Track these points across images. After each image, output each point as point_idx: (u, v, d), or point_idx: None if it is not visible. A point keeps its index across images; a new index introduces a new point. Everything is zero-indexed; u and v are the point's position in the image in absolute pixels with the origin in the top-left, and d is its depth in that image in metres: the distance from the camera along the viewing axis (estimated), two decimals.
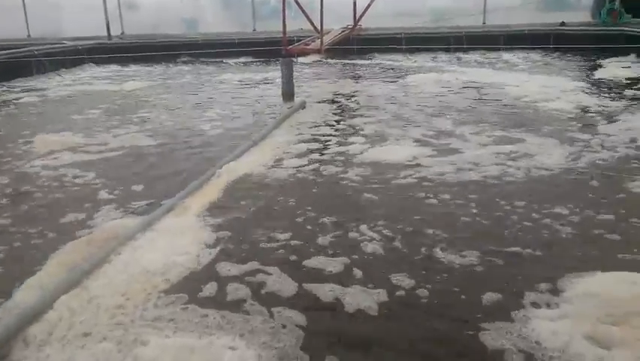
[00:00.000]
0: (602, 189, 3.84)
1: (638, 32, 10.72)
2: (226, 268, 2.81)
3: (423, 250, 2.96)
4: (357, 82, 9.13)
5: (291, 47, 7.43)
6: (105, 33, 13.95)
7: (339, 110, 6.87)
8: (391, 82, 8.97)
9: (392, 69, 10.54)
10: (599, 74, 8.98)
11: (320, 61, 11.92)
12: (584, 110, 6.32)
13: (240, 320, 2.32)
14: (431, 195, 3.76)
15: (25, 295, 2.52)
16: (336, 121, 6.21)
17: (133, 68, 12.00)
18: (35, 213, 3.72)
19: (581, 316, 2.26)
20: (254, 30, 14.87)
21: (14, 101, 8.21)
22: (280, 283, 2.64)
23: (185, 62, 12.72)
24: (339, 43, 9.61)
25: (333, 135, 5.51)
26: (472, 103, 6.95)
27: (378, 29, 13.07)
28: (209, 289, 2.61)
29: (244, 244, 3.09)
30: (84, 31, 14.53)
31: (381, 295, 2.51)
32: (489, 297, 2.46)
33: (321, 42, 7.44)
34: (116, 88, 9.21)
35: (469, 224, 3.30)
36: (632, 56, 10.30)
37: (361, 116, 6.42)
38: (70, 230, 3.36)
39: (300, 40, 9.14)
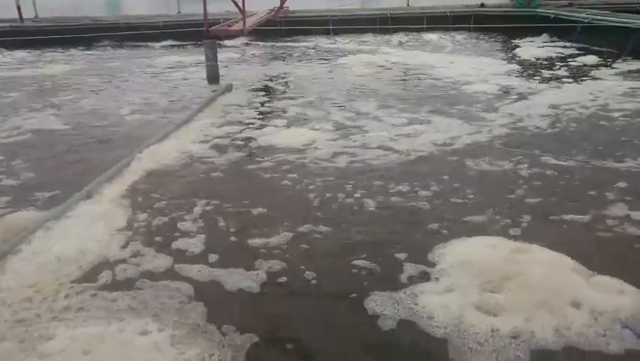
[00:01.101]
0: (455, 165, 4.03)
1: (549, 14, 11.30)
2: (136, 252, 2.79)
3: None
4: (286, 64, 9.09)
5: (213, 27, 7.28)
6: (16, 16, 13.07)
7: (266, 93, 6.84)
8: (320, 64, 9.01)
9: (321, 51, 10.57)
10: (518, 54, 9.38)
11: (248, 44, 11.75)
12: (505, 90, 6.52)
13: (152, 302, 2.32)
14: (290, 178, 3.82)
15: None
16: (261, 103, 6.18)
17: (49, 52, 11.31)
18: None
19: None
20: (178, 12, 14.42)
21: None
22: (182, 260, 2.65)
23: (106, 46, 12.17)
24: (263, 25, 9.52)
25: (256, 118, 5.49)
26: (400, 85, 7.09)
27: (305, 11, 13.04)
28: (121, 273, 2.58)
29: (155, 229, 3.06)
30: None
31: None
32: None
33: (244, 23, 7.33)
34: (30, 73, 8.69)
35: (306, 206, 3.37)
36: (545, 36, 10.85)
37: (288, 98, 6.41)
38: None
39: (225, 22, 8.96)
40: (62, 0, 15.68)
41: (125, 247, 2.84)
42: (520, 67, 8.13)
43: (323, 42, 11.80)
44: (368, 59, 9.26)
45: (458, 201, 3.38)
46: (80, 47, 11.84)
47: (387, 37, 12.12)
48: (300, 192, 3.57)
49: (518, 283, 2.34)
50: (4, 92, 7.12)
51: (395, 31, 12.53)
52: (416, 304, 2.26)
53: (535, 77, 7.26)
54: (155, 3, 15.88)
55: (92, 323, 2.15)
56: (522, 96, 6.17)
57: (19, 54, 11.06)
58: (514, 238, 2.86)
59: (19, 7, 12.96)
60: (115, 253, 2.76)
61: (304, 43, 11.74)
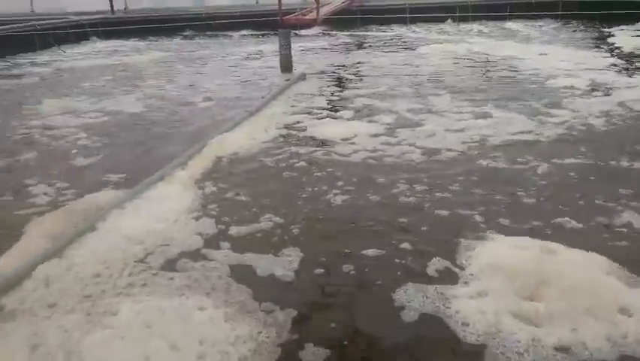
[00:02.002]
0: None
1: None
2: (197, 235, 2.85)
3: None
4: (361, 53, 9.02)
5: (287, 17, 7.33)
6: (108, 8, 13.87)
7: (338, 82, 6.81)
8: (396, 53, 8.86)
9: (397, 40, 10.40)
10: (616, 43, 8.71)
11: (324, 33, 11.77)
12: (596, 86, 5.93)
13: (204, 282, 2.38)
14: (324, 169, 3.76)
15: (7, 262, 2.57)
16: (331, 93, 6.16)
17: (136, 42, 11.95)
18: (24, 168, 4.04)
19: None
20: (257, 2, 14.70)
21: (22, 73, 8.36)
22: (247, 248, 2.68)
23: (188, 36, 12.65)
24: (339, 14, 9.47)
25: (325, 108, 5.47)
26: (477, 77, 6.78)
27: (381, 0, 12.87)
28: (181, 253, 2.65)
29: (218, 214, 3.11)
30: (89, 6, 14.46)
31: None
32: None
33: (317, 12, 7.32)
34: (119, 61, 9.22)
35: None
36: None
37: (358, 88, 6.36)
38: (54, 192, 3.50)
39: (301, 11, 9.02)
40: None
41: (187, 229, 2.91)
42: (619, 59, 7.52)
43: (400, 31, 11.60)
44: (447, 48, 8.98)
45: (481, 201, 3.18)
46: (165, 37, 12.39)
47: (467, 26, 11.74)
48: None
49: (556, 287, 2.16)
50: (96, 78, 7.67)
51: (476, 19, 12.09)
52: (448, 308, 2.13)
53: (637, 72, 6.63)
54: None
55: (153, 299, 2.23)
56: (614, 93, 5.64)
57: (110, 43, 11.74)
58: (544, 238, 2.66)
59: (111, 0, 13.72)
60: (177, 235, 2.84)
61: (380, 33, 11.59)
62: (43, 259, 2.51)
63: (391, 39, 10.64)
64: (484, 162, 3.80)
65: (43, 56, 10.13)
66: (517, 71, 6.96)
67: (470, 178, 3.52)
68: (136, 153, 4.36)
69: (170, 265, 2.55)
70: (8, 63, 9.43)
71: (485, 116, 4.93)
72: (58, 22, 11.80)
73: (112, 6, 13.95)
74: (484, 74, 6.92)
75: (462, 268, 2.43)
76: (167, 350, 1.89)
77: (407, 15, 12.45)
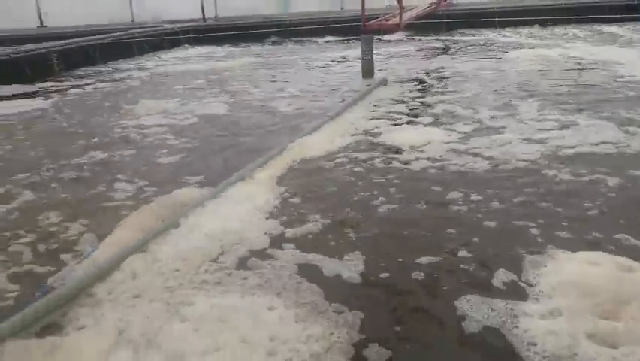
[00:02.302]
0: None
1: None
2: (271, 235, 2.92)
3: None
4: (446, 59, 8.85)
5: (370, 22, 7.33)
6: (200, 15, 14.58)
7: (420, 88, 6.72)
8: (484, 58, 8.60)
9: (486, 45, 10.09)
10: None
11: (408, 38, 11.67)
12: None
13: (276, 281, 2.43)
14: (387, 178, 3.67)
15: (102, 253, 2.76)
16: (412, 98, 6.08)
17: (225, 48, 12.46)
18: (117, 163, 4.37)
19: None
20: (341, 9, 14.84)
21: (123, 77, 9.07)
22: (321, 250, 2.69)
23: (274, 42, 13.01)
24: (423, 19, 9.33)
25: (404, 114, 5.40)
26: (571, 84, 6.39)
27: (468, 4, 12.53)
28: (255, 253, 2.73)
29: (291, 216, 3.17)
30: (183, 14, 15.28)
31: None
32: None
33: (400, 17, 7.26)
34: (208, 66, 9.68)
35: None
36: None
37: (440, 94, 6.24)
38: (142, 188, 3.74)
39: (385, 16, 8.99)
40: (240, 0, 17.03)
41: (261, 228, 2.99)
42: None
43: (488, 35, 11.25)
44: (539, 53, 8.59)
45: (545, 214, 2.99)
46: (252, 43, 12.82)
47: (561, 29, 11.15)
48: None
49: (636, 305, 1.99)
50: (187, 82, 8.10)
51: (570, 22, 11.45)
52: (516, 327, 2.02)
53: None
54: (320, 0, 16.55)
55: (227, 296, 2.31)
56: None
57: (201, 49, 12.33)
58: (615, 254, 2.46)
59: (202, 8, 14.41)
60: (251, 234, 2.92)
61: (467, 37, 11.31)
62: (131, 253, 2.67)
63: (479, 43, 10.34)
64: (554, 173, 3.59)
65: (140, 62, 10.84)
66: (615, 78, 6.52)
67: (536, 190, 3.34)
68: (218, 154, 4.53)
69: (243, 263, 2.63)
70: (110, 68, 10.18)
71: (571, 125, 4.66)
72: (153, 30, 12.56)
73: (203, 14, 14.66)
74: (577, 81, 6.53)
75: (530, 284, 2.31)
76: (238, 343, 1.95)
77: (496, 19, 12.03)
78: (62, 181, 4.05)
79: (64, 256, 2.83)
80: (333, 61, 9.50)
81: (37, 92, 7.99)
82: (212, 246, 2.82)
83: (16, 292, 2.51)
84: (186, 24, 13.74)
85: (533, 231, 2.81)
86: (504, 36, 11.01)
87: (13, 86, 8.24)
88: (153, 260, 2.67)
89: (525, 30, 11.44)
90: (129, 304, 2.29)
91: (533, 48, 9.14)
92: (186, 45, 12.79)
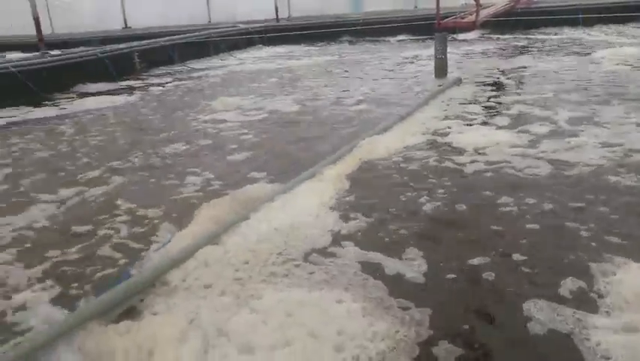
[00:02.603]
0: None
1: None
2: (337, 231, 2.92)
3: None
4: (524, 58, 8.51)
5: (444, 20, 7.16)
6: (274, 16, 14.85)
7: (495, 88, 6.49)
8: (566, 58, 8.20)
9: (568, 44, 9.61)
10: None
11: (484, 37, 11.30)
12: None
13: (341, 277, 2.42)
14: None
15: (178, 242, 2.86)
16: (487, 98, 5.88)
17: (298, 47, 12.63)
18: (192, 156, 4.54)
19: None
20: (415, 7, 14.62)
21: (200, 75, 9.46)
22: (382, 249, 2.65)
23: (347, 41, 13.03)
24: (500, 16, 9.00)
25: (477, 114, 5.23)
26: None
27: (549, 1, 11.97)
28: (322, 248, 2.73)
29: (359, 214, 3.14)
30: (257, 14, 15.64)
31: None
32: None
33: (477, 15, 7.03)
34: (282, 65, 9.85)
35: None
36: None
37: (518, 94, 5.99)
38: (215, 180, 3.85)
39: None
40: (313, 1, 17.21)
41: (327, 225, 3.00)
42: None
43: (571, 34, 10.72)
44: (628, 52, 8.07)
45: (606, 221, 2.80)
46: (324, 42, 12.91)
47: None
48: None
49: None
50: (261, 81, 8.31)
51: None
52: (587, 339, 1.88)
53: None
54: None
55: (294, 290, 2.32)
56: None
57: (274, 49, 12.57)
58: None
59: (276, 8, 14.68)
60: (318, 231, 2.93)
61: (548, 36, 10.82)
62: (205, 243, 2.75)
63: (561, 42, 9.86)
64: (620, 180, 3.35)
65: (216, 61, 11.20)
66: None
67: (598, 196, 3.13)
68: (288, 150, 4.59)
69: (309, 258, 2.64)
70: (187, 67, 10.58)
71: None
72: (229, 31, 12.93)
73: (277, 15, 14.93)
74: None
75: (600, 295, 2.16)
76: (306, 338, 1.96)
77: (580, 16, 11.41)
78: (147, 169, 4.33)
79: (150, 238, 3.03)
80: (405, 60, 9.37)
81: (121, 89, 8.45)
82: (279, 240, 2.85)
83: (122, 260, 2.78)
84: (260, 24, 14.04)
85: (585, 234, 2.67)
86: (589, 35, 10.42)
87: (100, 83, 8.75)
88: (225, 251, 2.73)
89: (613, 28, 10.78)
90: (201, 293, 2.35)
91: (622, 47, 8.58)
92: (260, 45, 13.08)
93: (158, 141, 5.19)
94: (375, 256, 2.63)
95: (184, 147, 4.88)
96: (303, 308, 2.15)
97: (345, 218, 3.09)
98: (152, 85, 8.68)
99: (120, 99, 7.56)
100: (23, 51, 12.23)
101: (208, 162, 4.41)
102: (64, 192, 3.89)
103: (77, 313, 2.17)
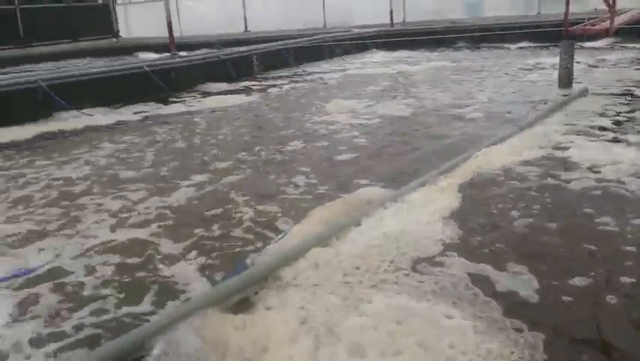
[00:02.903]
0: None
1: None
2: (446, 243, 2.85)
3: None
4: None
5: (573, 27, 6.72)
6: (388, 21, 14.84)
7: (628, 101, 5.98)
8: None
9: None
10: None
11: (616, 46, 10.44)
12: None
13: (451, 290, 2.37)
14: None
15: (289, 241, 2.97)
16: (617, 112, 5.43)
17: (412, 52, 12.51)
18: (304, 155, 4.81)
19: None
20: (538, 13, 13.86)
21: (315, 78, 9.78)
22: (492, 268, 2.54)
23: (463, 47, 12.69)
24: (636, 23, 8.26)
25: (605, 129, 4.84)
26: None
27: None
28: (428, 258, 2.69)
29: (470, 225, 3.06)
30: (372, 19, 15.72)
31: None
32: None
33: (611, 21, 6.51)
34: (396, 70, 9.86)
35: None
36: None
37: None
38: (326, 183, 3.98)
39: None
40: (428, 5, 16.96)
41: (437, 235, 2.94)
42: None
43: None
44: None
45: None
46: (439, 48, 12.68)
47: None
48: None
49: None
50: (375, 85, 8.38)
51: None
52: None
53: None
54: (516, 4, 15.69)
55: (403, 298, 2.31)
56: None
57: (389, 54, 12.56)
58: None
59: (391, 13, 14.65)
60: (428, 240, 2.89)
61: None
62: (315, 244, 2.81)
63: None
64: None
65: (330, 65, 11.44)
66: None
67: None
68: (400, 156, 4.58)
69: (418, 267, 2.61)
70: (302, 70, 10.91)
71: None
72: (343, 35, 13.12)
73: (392, 19, 14.90)
74: None
75: None
76: (417, 348, 1.94)
77: None
78: (268, 164, 4.63)
79: (271, 228, 3.24)
80: (526, 68, 8.94)
81: (241, 89, 8.92)
82: (389, 247, 2.84)
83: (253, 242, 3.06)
84: (374, 29, 14.09)
85: None
86: None
87: (220, 83, 9.29)
88: (335, 254, 2.78)
89: None
90: (311, 293, 2.41)
91: None
92: (374, 49, 13.13)
93: (276, 138, 5.49)
94: (485, 269, 2.56)
95: (301, 146, 5.12)
96: (412, 317, 2.14)
97: (456, 229, 3.02)
98: (271, 86, 9.07)
99: (241, 99, 8.03)
100: (154, 52, 13.33)
101: (321, 162, 4.56)
102: (198, 178, 4.33)
103: (197, 299, 2.32)
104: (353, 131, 5.51)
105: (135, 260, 2.96)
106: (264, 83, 9.57)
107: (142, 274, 2.79)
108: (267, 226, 3.27)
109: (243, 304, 2.36)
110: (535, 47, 11.63)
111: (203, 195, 3.96)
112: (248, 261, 2.82)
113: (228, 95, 8.39)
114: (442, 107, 6.36)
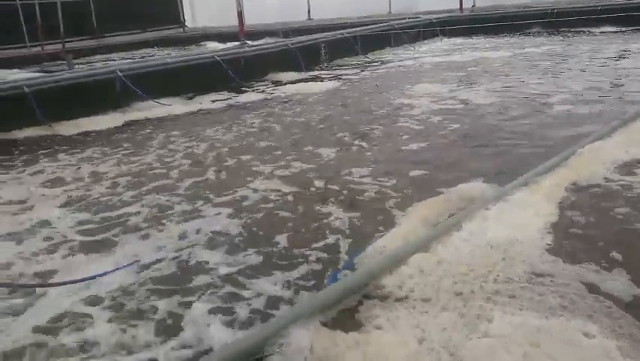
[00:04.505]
0: None
1: None
2: (556, 251, 2.58)
3: None
4: None
5: None
6: (457, 6, 14.29)
7: None
8: None
9: None
10: None
11: None
12: None
13: (581, 302, 2.12)
14: None
15: (389, 242, 2.81)
16: None
17: (482, 39, 11.98)
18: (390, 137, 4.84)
19: None
20: None
21: (386, 66, 9.57)
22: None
23: (537, 33, 12.02)
24: None
25: None
26: None
27: None
28: (544, 270, 2.43)
29: (579, 232, 2.78)
30: (439, 5, 15.20)
31: None
32: None
33: None
34: (471, 57, 9.46)
35: None
36: None
37: None
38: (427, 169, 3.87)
39: None
40: None
41: (545, 242, 2.69)
42: None
43: None
44: None
45: None
46: (513, 34, 12.09)
47: None
48: None
49: None
50: (450, 71, 8.14)
51: None
52: None
53: None
54: None
55: (528, 314, 2.08)
56: None
57: (459, 40, 12.12)
58: None
59: None
60: (536, 247, 2.64)
61: None
62: (417, 249, 2.62)
63: None
64: None
65: (398, 52, 11.13)
66: None
67: None
68: (486, 147, 4.35)
69: (532, 278, 2.37)
70: (369, 58, 10.65)
71: None
72: (411, 22, 12.72)
73: (461, 5, 14.33)
74: None
75: None
76: None
77: None
78: (358, 149, 4.70)
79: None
80: (614, 55, 8.31)
81: (311, 78, 8.79)
82: (496, 254, 2.61)
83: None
84: (443, 15, 13.60)
85: None
86: None
87: (289, 72, 9.19)
88: (438, 260, 2.57)
89: None
90: (422, 308, 2.21)
91: None
92: (443, 36, 12.68)
93: (363, 119, 5.62)
94: (605, 279, 2.31)
95: (383, 127, 5.19)
96: (547, 337, 1.91)
97: (565, 235, 2.75)
98: (345, 74, 8.90)
99: (325, 86, 8.02)
100: (220, 41, 13.43)
101: (419, 152, 4.42)
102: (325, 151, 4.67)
103: (301, 306, 2.19)
104: (438, 115, 5.45)
105: None
106: (335, 71, 9.40)
107: None
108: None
109: (348, 317, 2.19)
110: (620, 31, 10.85)
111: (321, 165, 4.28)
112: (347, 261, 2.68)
113: (309, 83, 8.39)
114: (528, 96, 6.00)
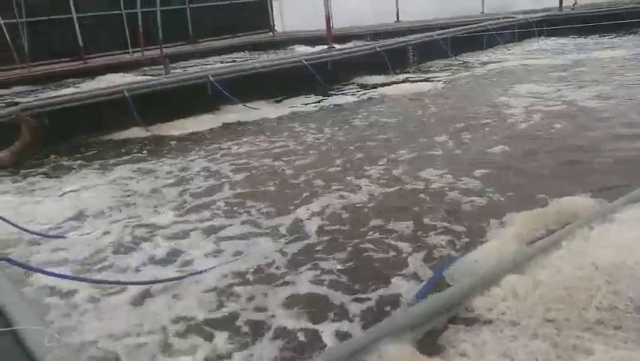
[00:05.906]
0: None
1: None
2: None
3: None
4: None
5: None
6: (556, 4, 13.48)
7: None
8: None
9: None
10: None
11: None
12: None
13: None
14: None
15: (482, 255, 2.68)
16: None
17: (584, 39, 11.19)
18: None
19: None
20: None
21: (482, 68, 9.26)
22: None
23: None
24: None
25: None
26: None
27: None
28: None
29: None
30: (536, 3, 14.41)
31: None
32: None
33: None
34: (578, 58, 8.91)
35: None
36: None
37: None
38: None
39: None
40: None
41: None
42: None
43: None
44: None
45: None
46: (619, 34, 11.21)
47: None
48: None
49: None
50: (555, 72, 7.80)
51: None
52: None
53: None
54: None
55: (636, 348, 1.86)
56: None
57: (560, 41, 11.39)
58: None
59: None
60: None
61: None
62: (511, 270, 2.45)
63: None
64: None
65: (493, 53, 10.72)
66: None
67: None
68: (596, 157, 4.10)
69: None
70: (461, 60, 10.30)
71: None
72: (505, 22, 12.15)
73: (560, 3, 13.50)
74: None
75: None
76: None
77: None
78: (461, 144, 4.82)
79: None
80: None
81: (401, 81, 8.64)
82: (599, 278, 2.38)
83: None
84: (540, 14, 12.88)
85: None
86: None
87: (376, 76, 9.09)
88: (534, 283, 2.39)
89: None
90: (511, 334, 2.06)
91: None
92: (541, 37, 12.00)
93: (461, 117, 5.74)
94: None
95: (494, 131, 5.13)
96: None
97: None
98: (436, 77, 8.70)
99: (419, 87, 7.97)
100: (307, 45, 13.60)
101: (519, 157, 4.33)
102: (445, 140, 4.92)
103: (388, 323, 2.11)
104: (557, 119, 5.23)
105: None
106: (425, 74, 9.18)
107: None
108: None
109: (432, 339, 2.09)
110: None
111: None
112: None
113: (400, 84, 8.37)
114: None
